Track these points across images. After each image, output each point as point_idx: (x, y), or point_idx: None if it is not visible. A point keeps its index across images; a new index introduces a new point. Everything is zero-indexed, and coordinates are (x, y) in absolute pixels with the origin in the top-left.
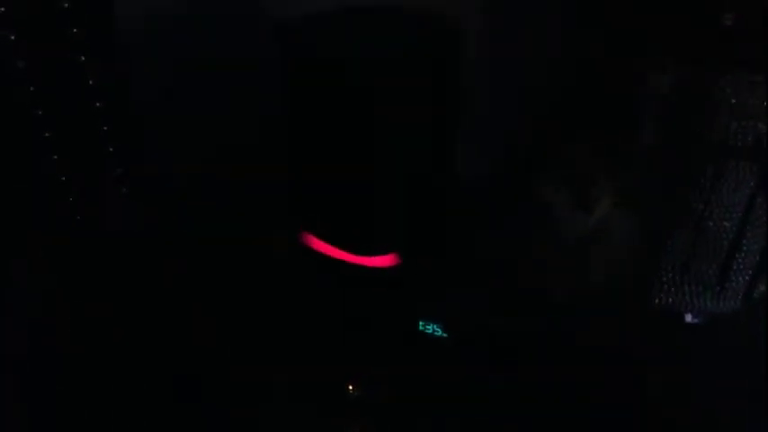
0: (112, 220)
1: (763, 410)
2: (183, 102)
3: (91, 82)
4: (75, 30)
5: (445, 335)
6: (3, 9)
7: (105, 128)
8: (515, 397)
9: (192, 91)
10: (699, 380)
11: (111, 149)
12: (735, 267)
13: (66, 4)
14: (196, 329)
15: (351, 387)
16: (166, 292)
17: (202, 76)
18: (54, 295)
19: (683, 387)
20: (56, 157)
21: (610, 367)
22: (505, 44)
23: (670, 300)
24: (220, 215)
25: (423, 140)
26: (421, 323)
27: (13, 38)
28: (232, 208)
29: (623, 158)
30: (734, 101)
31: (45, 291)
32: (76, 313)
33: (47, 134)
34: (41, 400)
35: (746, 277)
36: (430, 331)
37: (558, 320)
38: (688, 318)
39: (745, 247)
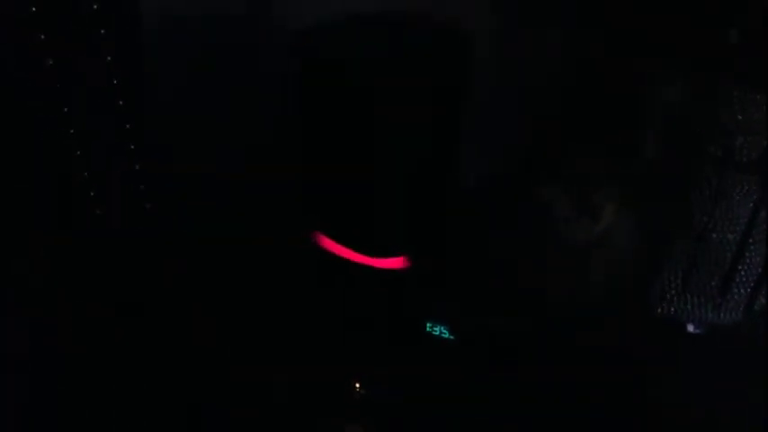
0: (128, 219)
1: (763, 413)
2: (192, 102)
3: (115, 81)
4: (102, 31)
5: (452, 337)
6: (33, 9)
7: (128, 126)
8: (520, 399)
9: (202, 91)
10: (699, 384)
11: (132, 147)
12: (737, 280)
13: (95, 6)
14: (202, 329)
15: (358, 386)
16: (176, 291)
17: (213, 77)
18: (62, 293)
19: (684, 391)
20: (79, 153)
21: (612, 373)
22: (510, 47)
23: (672, 309)
24: (230, 215)
25: (433, 143)
26: (428, 324)
27: (42, 37)
28: (243, 207)
29: (627, 167)
30: (740, 116)
31: (50, 289)
32: (83, 312)
33: (71, 131)
34: (42, 400)
35: (748, 289)
36: (437, 333)
37: (561, 325)
38: (690, 328)
39: (747, 260)
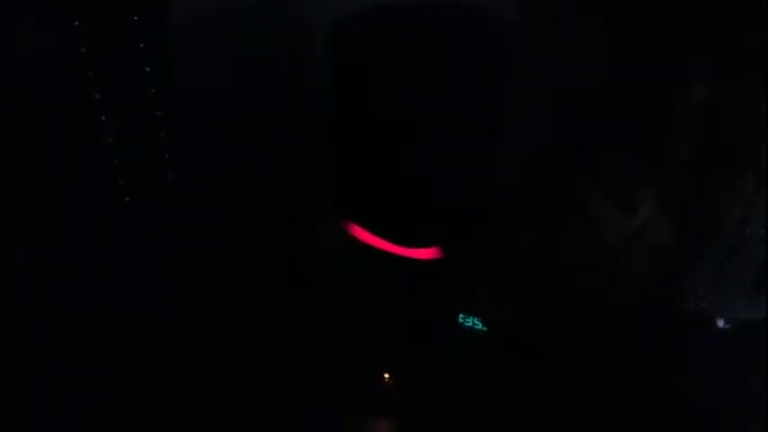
0: (161, 213)
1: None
2: (225, 97)
3: (147, 69)
4: (135, 17)
5: (485, 329)
6: None
7: (159, 113)
8: (550, 391)
9: (235, 87)
10: (728, 383)
11: (162, 134)
12: None
13: None
14: (235, 316)
15: (387, 376)
16: (206, 281)
17: (247, 73)
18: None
19: (711, 390)
20: (110, 140)
21: (643, 365)
22: (546, 44)
23: (703, 304)
24: (265, 205)
25: (466, 136)
26: (461, 315)
27: (77, 23)
28: (278, 198)
29: (663, 163)
30: None
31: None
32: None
33: (103, 117)
34: (46, 397)
35: None
36: (470, 324)
37: (593, 319)
38: (720, 323)
39: None
